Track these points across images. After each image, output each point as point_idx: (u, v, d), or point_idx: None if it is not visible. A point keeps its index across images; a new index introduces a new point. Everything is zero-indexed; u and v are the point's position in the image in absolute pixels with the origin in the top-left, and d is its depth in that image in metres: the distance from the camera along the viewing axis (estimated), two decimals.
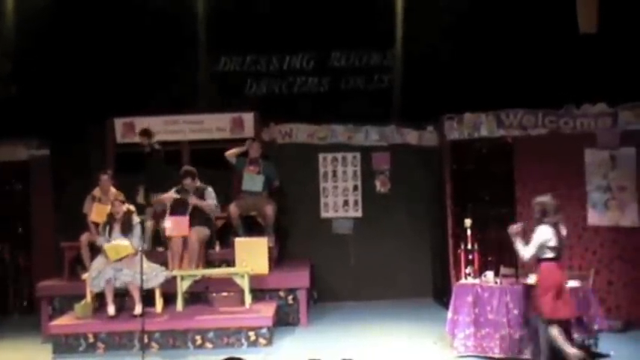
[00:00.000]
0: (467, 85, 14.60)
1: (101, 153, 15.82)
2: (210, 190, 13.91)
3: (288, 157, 15.86)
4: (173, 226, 13.55)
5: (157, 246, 14.53)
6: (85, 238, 13.88)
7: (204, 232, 13.85)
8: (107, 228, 13.16)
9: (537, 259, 10.58)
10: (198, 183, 13.87)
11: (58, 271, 14.65)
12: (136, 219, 13.26)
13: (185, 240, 13.64)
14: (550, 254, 10.52)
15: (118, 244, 12.91)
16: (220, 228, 14.98)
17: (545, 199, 10.78)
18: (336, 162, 16.29)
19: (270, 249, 13.91)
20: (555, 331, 10.55)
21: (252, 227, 14.83)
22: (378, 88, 16.10)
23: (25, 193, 16.06)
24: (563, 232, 10.70)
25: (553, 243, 10.50)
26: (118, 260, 12.84)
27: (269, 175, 14.87)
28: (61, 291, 13.85)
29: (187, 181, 13.78)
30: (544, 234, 10.52)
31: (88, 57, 15.33)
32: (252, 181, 14.70)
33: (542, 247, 10.51)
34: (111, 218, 13.21)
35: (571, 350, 10.52)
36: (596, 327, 11.04)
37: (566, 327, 10.66)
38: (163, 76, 15.39)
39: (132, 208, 13.41)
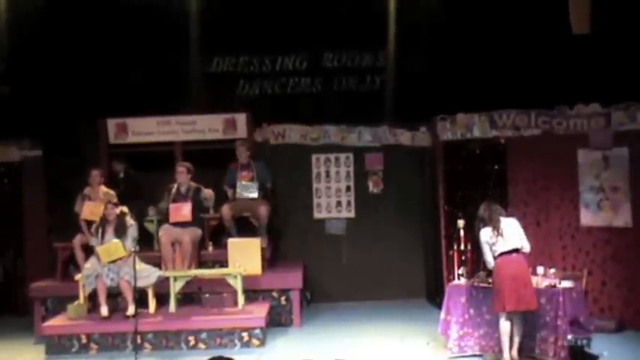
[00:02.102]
0: (459, 86, 14.59)
1: (94, 154, 15.78)
2: (205, 191, 14.03)
3: (281, 158, 15.86)
4: (174, 213, 13.62)
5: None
6: (78, 239, 13.86)
7: (197, 232, 13.87)
8: (100, 230, 13.15)
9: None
10: (192, 181, 13.99)
11: (51, 272, 14.63)
12: (129, 221, 13.25)
13: (174, 244, 13.67)
14: (499, 250, 10.76)
15: (110, 246, 12.90)
16: (213, 229, 14.98)
17: (481, 209, 11.01)
18: (329, 162, 16.29)
19: (263, 250, 13.90)
20: (504, 326, 10.69)
21: (246, 228, 14.82)
22: (370, 88, 16.09)
23: (17, 193, 16.01)
24: (511, 227, 10.89)
25: (495, 240, 10.77)
26: (110, 262, 12.83)
27: (262, 178, 14.87)
28: (54, 292, 13.84)
29: (179, 169, 13.93)
30: (484, 236, 10.91)
31: (81, 57, 15.30)
32: (247, 188, 14.70)
33: (490, 247, 10.85)
34: (104, 221, 13.19)
35: (505, 353, 10.66)
36: (591, 327, 11.11)
37: (530, 320, 10.86)
38: (156, 76, 15.36)
39: (125, 209, 13.40)
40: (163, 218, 14.16)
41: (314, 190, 16.28)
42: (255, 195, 14.71)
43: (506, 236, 10.76)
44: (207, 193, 13.97)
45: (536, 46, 14.19)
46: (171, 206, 13.82)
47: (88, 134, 15.85)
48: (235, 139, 15.51)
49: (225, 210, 14.58)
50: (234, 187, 14.83)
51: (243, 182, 14.73)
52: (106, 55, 15.38)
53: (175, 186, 13.97)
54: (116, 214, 13.16)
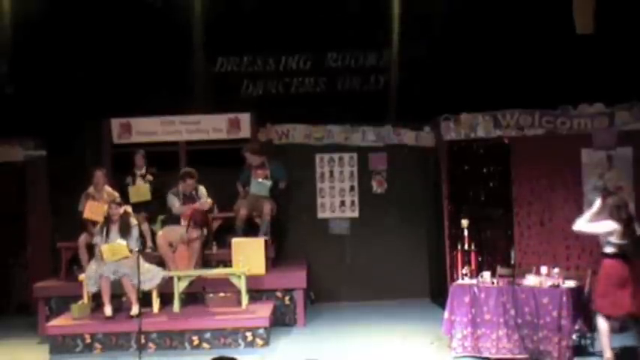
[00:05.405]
0: (463, 86, 14.61)
1: (98, 154, 15.79)
2: (202, 188, 14.08)
3: (285, 158, 15.82)
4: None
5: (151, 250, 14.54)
6: (82, 239, 13.86)
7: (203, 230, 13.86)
8: (104, 229, 13.15)
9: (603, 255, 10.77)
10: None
11: (55, 271, 14.66)
12: (133, 221, 13.26)
13: (172, 244, 13.67)
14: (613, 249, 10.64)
15: (115, 245, 12.90)
16: (217, 228, 14.98)
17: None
18: (333, 162, 16.28)
19: (266, 249, 13.86)
20: (602, 325, 10.64)
21: (251, 228, 14.80)
22: (374, 88, 16.09)
23: (21, 193, 16.01)
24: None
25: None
26: (114, 262, 12.83)
27: (277, 177, 14.85)
28: (57, 292, 13.86)
29: (189, 182, 13.94)
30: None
31: (85, 57, 15.31)
32: (260, 186, 14.68)
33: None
34: (108, 220, 13.19)
35: (607, 354, 10.62)
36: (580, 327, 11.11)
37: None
38: (160, 76, 15.36)
39: (129, 209, 13.41)
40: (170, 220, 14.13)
41: (318, 189, 16.28)
42: (266, 193, 14.69)
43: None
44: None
45: (540, 46, 14.22)
46: (192, 207, 13.86)
47: (92, 134, 15.86)
48: (239, 139, 15.53)
49: (242, 210, 14.55)
50: (245, 185, 14.85)
51: (259, 180, 14.70)
52: (109, 55, 15.39)
53: (180, 190, 13.99)
54: (120, 214, 13.16)
